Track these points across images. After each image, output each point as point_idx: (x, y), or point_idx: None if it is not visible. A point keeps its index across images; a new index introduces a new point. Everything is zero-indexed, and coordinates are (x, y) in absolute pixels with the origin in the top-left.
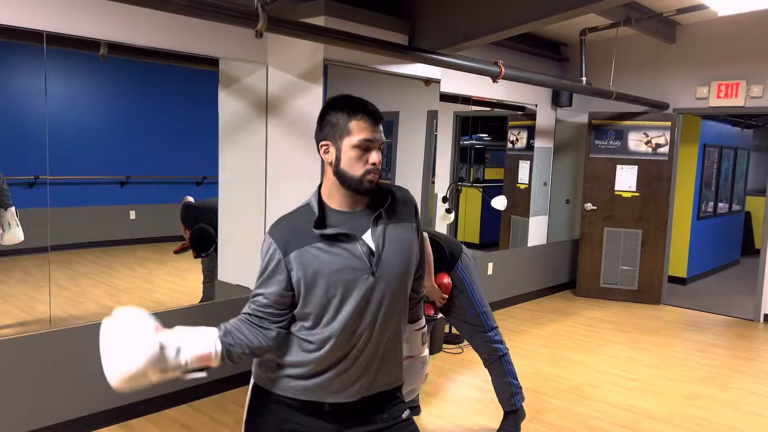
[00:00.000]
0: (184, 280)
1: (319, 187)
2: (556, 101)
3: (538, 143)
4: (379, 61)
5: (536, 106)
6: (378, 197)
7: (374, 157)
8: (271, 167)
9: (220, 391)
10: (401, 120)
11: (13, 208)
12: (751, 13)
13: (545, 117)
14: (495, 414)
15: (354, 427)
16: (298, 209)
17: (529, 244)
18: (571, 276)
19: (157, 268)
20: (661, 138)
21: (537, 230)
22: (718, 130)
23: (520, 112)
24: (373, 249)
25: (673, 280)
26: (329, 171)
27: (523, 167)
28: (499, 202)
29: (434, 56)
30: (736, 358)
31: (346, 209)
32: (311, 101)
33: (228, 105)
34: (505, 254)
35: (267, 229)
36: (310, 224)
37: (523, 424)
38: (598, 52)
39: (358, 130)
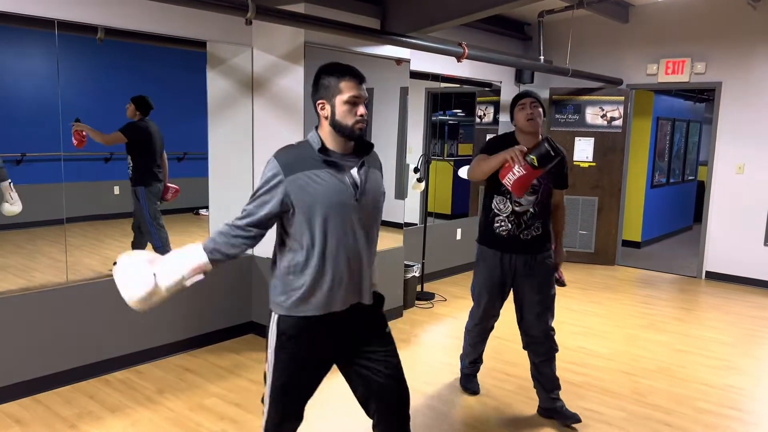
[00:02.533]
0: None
1: (315, 131)
2: (519, 78)
3: (503, 118)
4: (355, 44)
5: (501, 82)
6: (361, 147)
7: (361, 109)
8: (257, 141)
9: (216, 341)
10: (376, 96)
11: (7, 182)
12: None
13: (509, 93)
14: (452, 352)
15: (351, 334)
16: (300, 143)
17: None
18: None
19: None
20: (616, 112)
21: None
22: (670, 104)
23: (487, 89)
24: (358, 182)
25: (628, 244)
26: (325, 123)
27: None
28: (465, 171)
29: (403, 38)
30: (676, 308)
31: (338, 151)
32: (294, 80)
33: (215, 84)
34: (473, 220)
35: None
36: (312, 154)
37: (486, 362)
38: (558, 32)
39: (347, 89)
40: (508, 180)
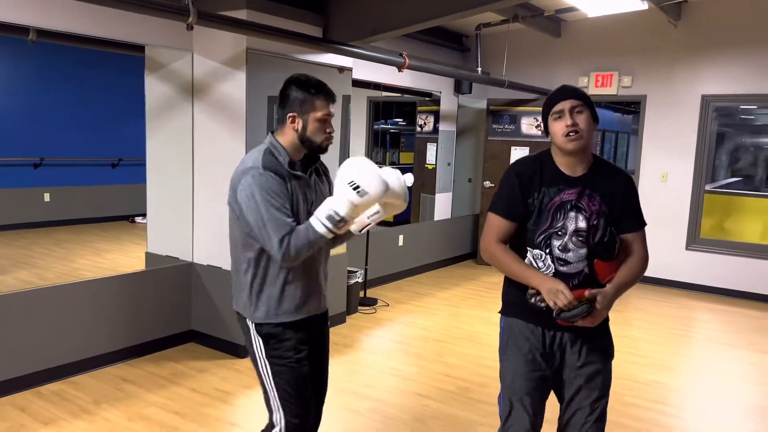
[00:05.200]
0: (104, 259)
1: (273, 138)
2: (458, 88)
3: (443, 127)
4: (297, 51)
5: (440, 92)
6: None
7: (330, 127)
8: (198, 147)
9: (155, 350)
10: None
11: None
12: (623, 14)
13: (448, 103)
14: (402, 358)
15: (318, 337)
16: (266, 151)
17: (436, 219)
18: (473, 247)
19: (77, 248)
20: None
21: (442, 206)
22: (601, 116)
23: (427, 98)
24: (314, 195)
25: None
26: (292, 134)
27: (431, 149)
28: (408, 179)
29: (345, 47)
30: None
31: (296, 160)
32: (235, 86)
33: (154, 89)
34: (414, 227)
35: (254, 170)
36: (282, 164)
37: (428, 365)
38: (494, 44)
39: (321, 107)
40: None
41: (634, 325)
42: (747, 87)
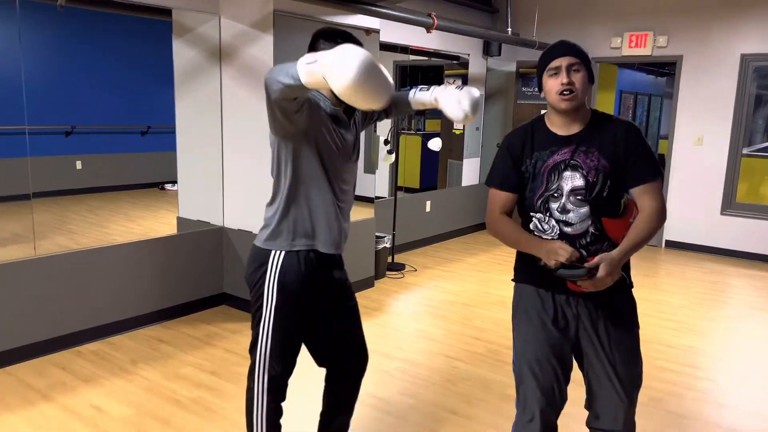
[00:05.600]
0: (136, 224)
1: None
2: (486, 51)
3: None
4: (324, 12)
5: (468, 55)
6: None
7: None
8: (226, 112)
9: (189, 313)
10: None
11: None
12: None
13: (477, 66)
14: (430, 321)
15: (335, 279)
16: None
17: (463, 185)
18: None
19: (109, 214)
20: None
21: (470, 172)
22: (633, 78)
23: (454, 62)
24: (353, 137)
25: None
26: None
27: None
28: (435, 144)
29: (373, 7)
30: (638, 275)
31: (336, 106)
32: (263, 50)
33: (182, 54)
34: (442, 193)
35: None
36: (324, 103)
37: (456, 328)
38: (525, 5)
39: None
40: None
41: (666, 290)
42: None
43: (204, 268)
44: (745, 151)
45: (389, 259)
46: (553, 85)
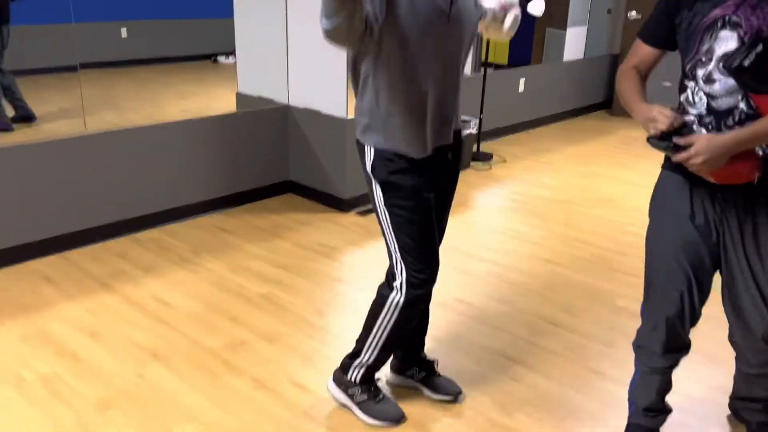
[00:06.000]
0: (189, 101)
1: None
2: None
3: None
4: None
5: None
6: None
7: None
8: None
9: (253, 200)
10: None
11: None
12: None
13: None
14: (524, 219)
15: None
16: None
17: (565, 59)
18: (608, 94)
19: (161, 88)
20: None
21: (574, 43)
22: None
23: None
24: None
25: None
26: None
27: None
28: (537, 6)
29: None
30: None
31: None
32: None
33: None
34: (538, 70)
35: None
36: None
37: (555, 228)
38: None
39: None
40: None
41: None
42: None
43: (267, 152)
44: None
45: (474, 148)
46: None
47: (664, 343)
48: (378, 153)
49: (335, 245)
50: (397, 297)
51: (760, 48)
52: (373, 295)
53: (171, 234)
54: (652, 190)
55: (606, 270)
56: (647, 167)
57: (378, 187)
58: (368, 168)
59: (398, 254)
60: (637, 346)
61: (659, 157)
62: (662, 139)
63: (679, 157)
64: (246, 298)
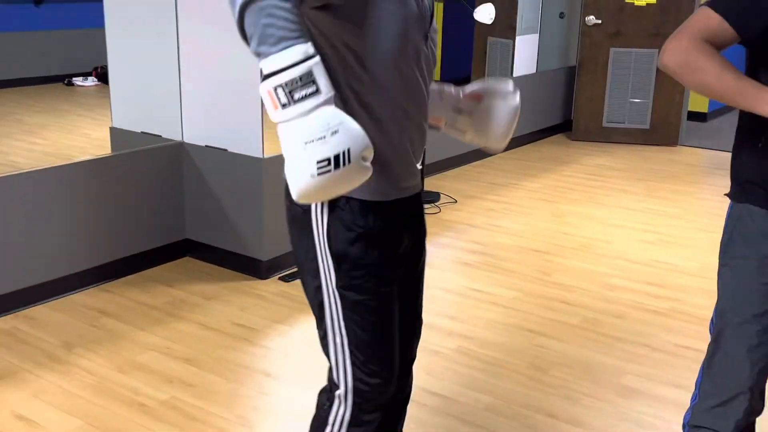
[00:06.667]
0: (42, 138)
1: None
2: None
3: None
4: None
5: None
6: None
7: None
8: None
9: (139, 270)
10: None
11: None
12: None
13: None
14: (491, 278)
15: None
16: None
17: (516, 74)
18: (566, 114)
19: (2, 121)
20: None
21: (525, 55)
22: None
23: None
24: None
25: (692, 116)
26: None
27: None
28: (485, 12)
29: None
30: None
31: None
32: None
33: None
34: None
35: None
36: None
37: (531, 287)
38: None
39: None
40: None
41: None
42: None
43: (156, 204)
44: None
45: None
46: None
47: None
48: (340, 212)
49: (256, 325)
50: (341, 411)
51: None
52: (314, 392)
53: (30, 323)
54: (639, 232)
55: (602, 339)
56: (626, 202)
57: (330, 261)
58: (320, 235)
59: (345, 353)
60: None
61: (639, 189)
62: None
63: None
64: (142, 408)
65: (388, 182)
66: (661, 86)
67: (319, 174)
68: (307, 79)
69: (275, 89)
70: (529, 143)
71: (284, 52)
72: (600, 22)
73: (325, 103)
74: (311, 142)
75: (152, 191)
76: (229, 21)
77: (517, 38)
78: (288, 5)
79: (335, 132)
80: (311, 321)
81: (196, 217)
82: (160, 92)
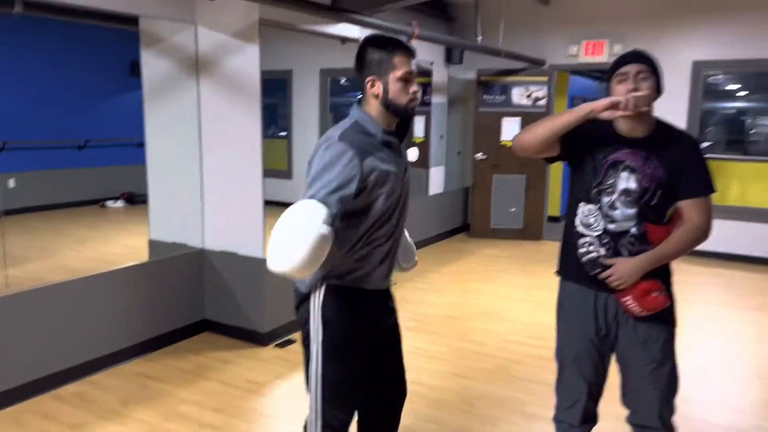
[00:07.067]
0: (86, 247)
1: (360, 109)
2: (448, 59)
3: (435, 99)
4: (308, 21)
5: (432, 63)
6: (401, 125)
7: (414, 86)
8: (205, 125)
9: (170, 343)
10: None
11: None
12: None
13: (440, 74)
14: (426, 338)
15: (388, 313)
16: (350, 127)
17: (430, 193)
18: (464, 220)
19: (54, 237)
20: (540, 92)
21: (436, 180)
22: (582, 84)
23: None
24: (407, 162)
25: (549, 219)
26: (374, 101)
27: (418, 122)
28: (412, 154)
29: (359, 16)
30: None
31: (387, 129)
32: (248, 60)
33: (152, 64)
34: (410, 202)
35: (328, 141)
36: (370, 137)
37: (455, 344)
38: (486, 13)
39: (401, 65)
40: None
41: None
42: (735, 52)
43: (184, 294)
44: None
45: None
46: (620, 90)
47: (582, 416)
48: (333, 289)
49: (261, 381)
50: None
51: (660, 191)
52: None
53: (94, 386)
54: (523, 301)
55: (509, 379)
56: (511, 280)
57: (321, 325)
58: (316, 306)
59: (319, 400)
60: (558, 421)
61: (519, 271)
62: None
63: (603, 274)
64: None
65: (378, 281)
66: (529, 199)
67: None
68: None
69: None
70: (441, 240)
71: None
72: (486, 157)
73: None
74: None
75: (180, 285)
76: (238, 148)
77: (431, 169)
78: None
79: None
80: (299, 376)
81: (212, 302)
82: (187, 212)
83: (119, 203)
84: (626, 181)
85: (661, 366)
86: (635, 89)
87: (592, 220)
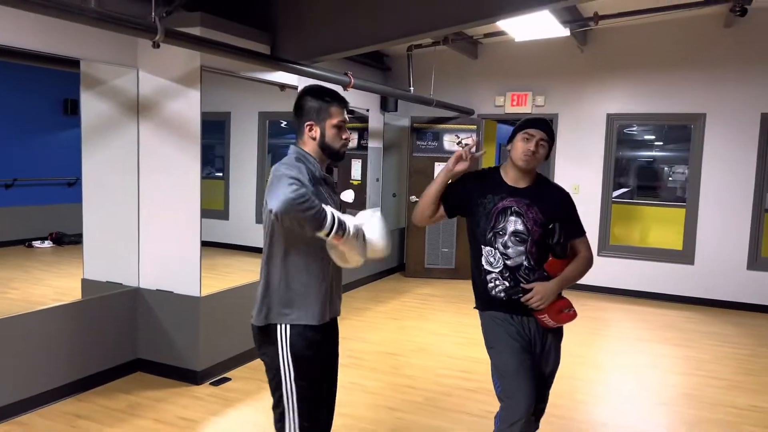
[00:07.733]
0: (11, 288)
1: (298, 147)
2: (384, 107)
3: (371, 144)
4: (248, 69)
5: (368, 110)
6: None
7: (347, 133)
8: (144, 166)
9: (102, 383)
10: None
11: None
12: (535, 39)
13: (375, 120)
14: (361, 373)
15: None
16: (296, 159)
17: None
18: (400, 260)
19: None
20: (469, 139)
21: None
22: (509, 132)
23: (350, 116)
24: (339, 200)
25: None
26: (312, 143)
27: (356, 165)
28: (348, 195)
29: (296, 66)
30: None
31: (323, 167)
32: (189, 105)
33: (92, 106)
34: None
35: (283, 163)
36: (314, 171)
37: (389, 378)
38: (418, 65)
39: (336, 114)
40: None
41: None
42: (643, 106)
43: (117, 334)
44: (615, 194)
45: None
46: (522, 147)
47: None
48: (297, 329)
49: (196, 418)
50: None
51: (541, 231)
52: None
53: (22, 427)
54: (454, 337)
55: (438, 410)
56: (444, 318)
57: (291, 362)
58: (284, 346)
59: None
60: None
61: (451, 309)
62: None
63: (524, 297)
64: None
65: (327, 314)
66: (460, 240)
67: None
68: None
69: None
70: (376, 280)
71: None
72: (419, 199)
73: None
74: None
75: (113, 324)
76: (177, 189)
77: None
78: None
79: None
80: (237, 412)
81: (146, 341)
82: (122, 251)
83: (47, 243)
84: (514, 224)
85: (553, 373)
86: (535, 151)
87: (492, 259)
